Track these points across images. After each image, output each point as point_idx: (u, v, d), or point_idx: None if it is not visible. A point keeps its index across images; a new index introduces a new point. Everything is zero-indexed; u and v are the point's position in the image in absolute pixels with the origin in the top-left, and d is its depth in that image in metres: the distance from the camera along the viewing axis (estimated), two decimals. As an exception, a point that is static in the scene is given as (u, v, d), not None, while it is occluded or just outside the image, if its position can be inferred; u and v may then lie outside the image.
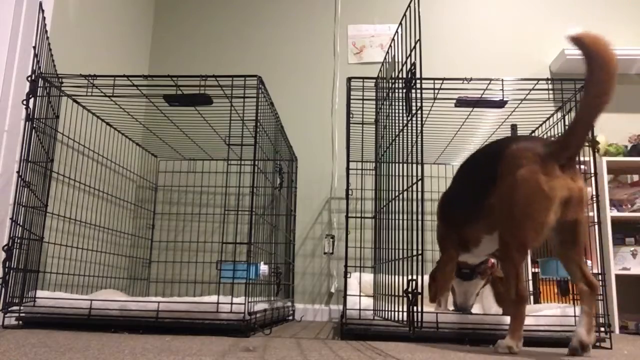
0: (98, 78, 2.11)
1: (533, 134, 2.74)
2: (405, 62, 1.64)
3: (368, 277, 2.81)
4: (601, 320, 1.91)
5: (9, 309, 1.93)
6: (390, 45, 1.93)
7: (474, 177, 1.80)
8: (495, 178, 1.66)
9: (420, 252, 1.56)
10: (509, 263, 1.60)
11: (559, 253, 1.69)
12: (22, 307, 1.96)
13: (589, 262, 2.02)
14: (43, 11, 2.05)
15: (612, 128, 3.26)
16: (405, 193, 1.67)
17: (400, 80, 1.69)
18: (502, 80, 2.12)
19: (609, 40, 1.47)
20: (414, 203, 1.59)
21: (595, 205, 2.10)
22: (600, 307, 1.99)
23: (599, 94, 1.48)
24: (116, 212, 3.02)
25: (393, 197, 1.79)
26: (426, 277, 2.03)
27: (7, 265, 1.88)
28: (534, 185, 1.55)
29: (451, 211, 1.96)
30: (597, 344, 1.91)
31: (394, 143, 1.78)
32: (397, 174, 1.73)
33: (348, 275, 2.00)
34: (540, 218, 1.54)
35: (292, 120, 3.39)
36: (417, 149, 1.53)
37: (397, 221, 1.78)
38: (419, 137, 1.52)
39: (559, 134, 2.68)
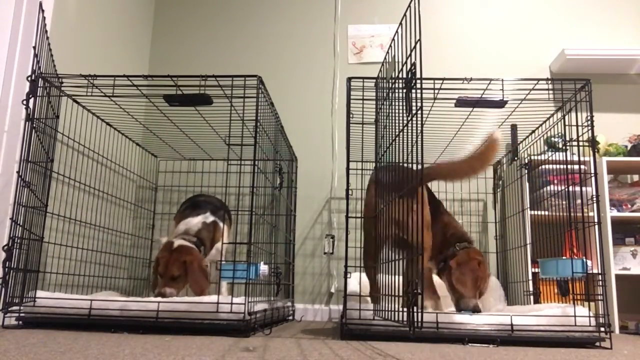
0: (98, 78, 2.11)
1: (533, 134, 2.75)
2: (405, 62, 1.64)
3: (368, 277, 2.80)
4: (601, 320, 1.91)
5: (9, 309, 1.93)
6: (390, 45, 1.92)
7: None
8: None
9: (420, 252, 1.56)
10: None
11: None
12: (22, 307, 1.96)
13: (589, 262, 2.02)
14: (43, 11, 2.05)
15: (612, 128, 3.26)
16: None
17: (400, 80, 1.69)
18: (502, 80, 2.12)
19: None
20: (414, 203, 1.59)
21: (595, 205, 2.10)
22: (600, 307, 1.99)
23: (447, 177, 2.05)
24: (116, 212, 3.01)
25: (393, 197, 1.79)
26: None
27: (7, 265, 1.88)
28: None
29: None
30: (597, 344, 1.91)
31: (394, 143, 1.78)
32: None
33: (348, 275, 2.00)
34: None
35: (292, 120, 3.39)
36: (417, 149, 1.53)
37: (397, 221, 1.78)
38: (419, 137, 1.52)
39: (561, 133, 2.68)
